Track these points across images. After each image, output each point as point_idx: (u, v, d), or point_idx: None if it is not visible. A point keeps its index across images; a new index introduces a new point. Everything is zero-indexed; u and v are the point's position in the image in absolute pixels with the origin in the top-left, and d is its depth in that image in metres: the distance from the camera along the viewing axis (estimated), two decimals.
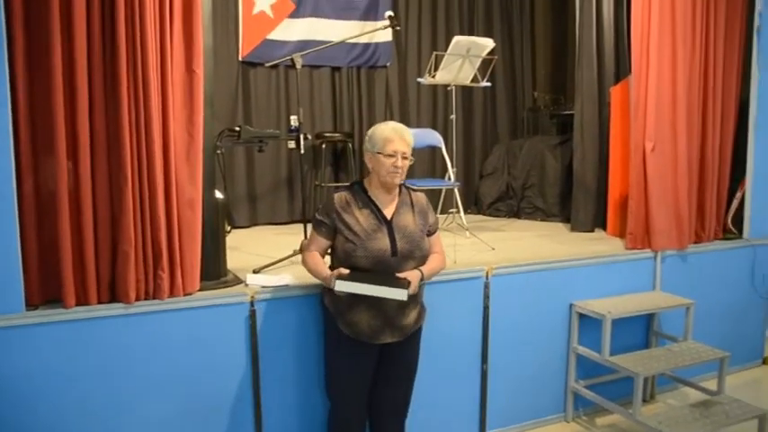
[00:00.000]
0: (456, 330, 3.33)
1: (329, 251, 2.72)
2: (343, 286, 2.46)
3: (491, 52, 4.20)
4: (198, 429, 2.83)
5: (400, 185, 2.72)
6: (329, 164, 5.55)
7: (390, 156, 2.57)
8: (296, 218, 5.30)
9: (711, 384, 3.67)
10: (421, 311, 2.77)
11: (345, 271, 2.50)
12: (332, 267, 2.63)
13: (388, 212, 2.65)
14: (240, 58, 5.12)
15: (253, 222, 5.29)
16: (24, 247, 2.50)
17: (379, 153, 2.58)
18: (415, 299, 2.66)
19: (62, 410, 2.58)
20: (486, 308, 3.38)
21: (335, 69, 5.52)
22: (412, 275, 2.56)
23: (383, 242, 2.57)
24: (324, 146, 5.33)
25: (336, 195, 2.66)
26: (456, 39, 4.11)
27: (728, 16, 4.11)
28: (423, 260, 2.68)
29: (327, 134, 5.36)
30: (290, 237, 3.99)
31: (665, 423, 3.18)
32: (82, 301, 2.57)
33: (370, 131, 2.67)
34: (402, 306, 2.60)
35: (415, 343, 2.81)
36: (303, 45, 5.10)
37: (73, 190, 2.51)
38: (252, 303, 2.86)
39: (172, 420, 2.78)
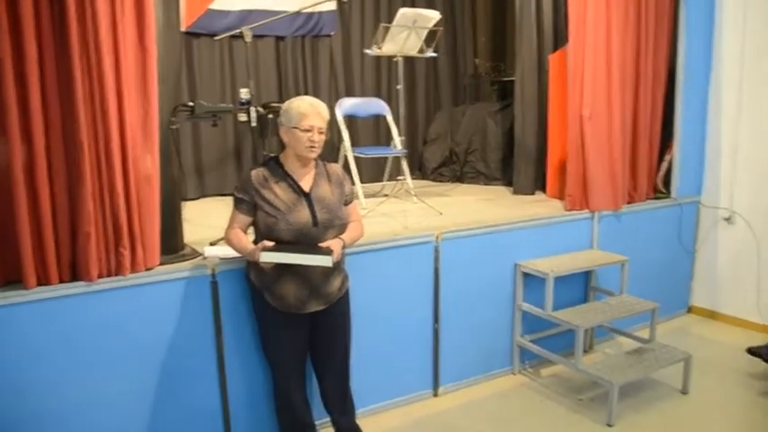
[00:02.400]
0: (408, 293, 3.47)
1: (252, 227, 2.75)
2: (268, 257, 2.52)
3: (436, 24, 4.25)
4: (164, 401, 2.89)
5: (315, 158, 2.75)
6: (275, 134, 5.52)
7: (307, 131, 2.60)
8: None
9: (644, 333, 3.95)
10: (344, 279, 2.86)
11: (270, 243, 2.54)
12: (255, 242, 2.67)
13: (305, 185, 2.70)
14: (183, 29, 5.00)
15: (201, 194, 5.27)
16: None
17: (295, 128, 2.61)
18: (338, 267, 2.74)
19: (26, 391, 2.58)
20: (436, 270, 3.53)
21: (280, 39, 5.46)
22: (334, 244, 2.64)
23: (303, 214, 2.63)
24: (270, 116, 5.31)
25: (253, 172, 2.68)
26: (402, 11, 4.12)
27: None
28: (342, 229, 2.76)
29: (274, 104, 5.33)
30: None
31: (604, 370, 3.42)
32: (43, 281, 2.56)
33: (285, 106, 2.68)
34: (326, 274, 2.69)
35: (343, 308, 2.89)
36: (246, 15, 5.05)
37: (28, 171, 2.46)
38: (213, 275, 2.91)
39: (138, 394, 2.82)
